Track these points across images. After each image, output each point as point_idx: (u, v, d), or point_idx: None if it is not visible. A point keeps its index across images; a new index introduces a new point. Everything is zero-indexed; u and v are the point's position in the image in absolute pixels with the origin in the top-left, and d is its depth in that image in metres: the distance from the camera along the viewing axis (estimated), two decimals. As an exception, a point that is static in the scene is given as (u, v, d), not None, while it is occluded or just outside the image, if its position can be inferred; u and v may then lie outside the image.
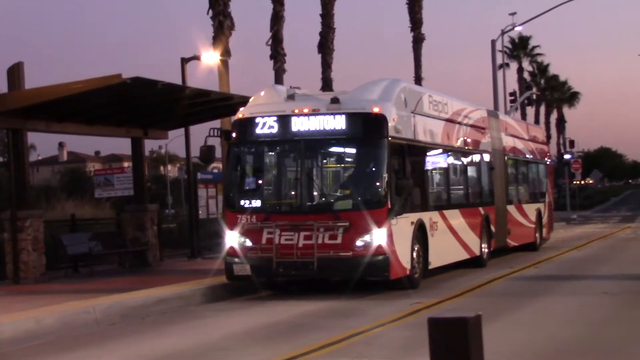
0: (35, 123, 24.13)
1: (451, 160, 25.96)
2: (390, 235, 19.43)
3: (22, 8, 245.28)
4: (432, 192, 24.19)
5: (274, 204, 21.27)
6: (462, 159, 27.18)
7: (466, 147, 27.10)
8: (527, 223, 33.11)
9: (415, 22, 55.94)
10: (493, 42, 58.73)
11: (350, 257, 19.36)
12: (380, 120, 19.79)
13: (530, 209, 33.76)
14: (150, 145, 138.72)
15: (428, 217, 22.33)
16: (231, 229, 20.22)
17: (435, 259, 22.55)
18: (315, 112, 20.04)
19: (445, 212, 24.22)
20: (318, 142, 20.66)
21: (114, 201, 47.46)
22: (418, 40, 55.81)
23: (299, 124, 20.12)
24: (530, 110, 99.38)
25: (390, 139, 19.78)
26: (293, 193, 20.86)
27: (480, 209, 27.41)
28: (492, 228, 28.03)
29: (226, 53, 33.96)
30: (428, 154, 23.64)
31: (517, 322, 16.07)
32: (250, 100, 21.70)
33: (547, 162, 39.14)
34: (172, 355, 13.89)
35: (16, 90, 23.29)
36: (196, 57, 33.56)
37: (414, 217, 21.18)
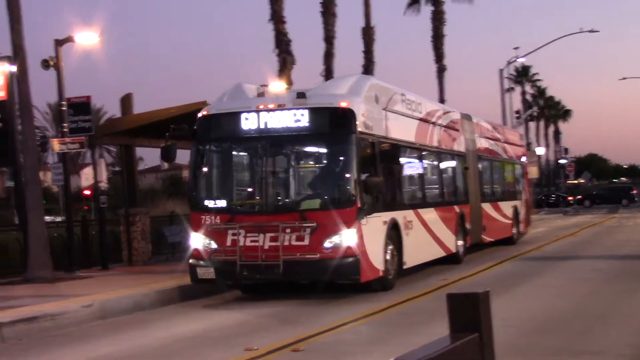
0: (142, 140, 24.91)
1: (425, 159, 21.19)
2: (360, 236, 15.18)
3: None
4: (406, 191, 19.79)
5: (238, 204, 16.64)
6: (436, 158, 22.34)
7: (440, 147, 22.37)
8: (503, 219, 28.19)
9: (439, 55, 55.72)
10: (501, 71, 59.02)
11: (318, 260, 15.08)
12: (348, 115, 15.50)
13: (507, 206, 28.71)
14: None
15: (402, 215, 17.88)
16: (195, 230, 15.96)
17: (411, 259, 18.08)
18: (280, 108, 15.76)
19: (420, 210, 19.65)
20: (284, 139, 16.21)
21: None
22: (441, 70, 55.65)
23: (263, 120, 15.77)
24: (532, 125, 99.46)
25: (359, 134, 15.52)
26: (258, 192, 16.29)
27: (456, 207, 22.82)
28: (467, 225, 23.44)
29: (289, 84, 34.08)
30: (401, 152, 19.17)
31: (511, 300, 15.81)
32: (217, 98, 17.56)
33: (523, 163, 33.88)
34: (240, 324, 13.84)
35: (127, 115, 23.82)
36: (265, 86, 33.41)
37: (387, 216, 16.79)
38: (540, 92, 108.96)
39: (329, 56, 38.41)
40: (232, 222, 15.56)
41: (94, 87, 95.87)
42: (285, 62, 34.02)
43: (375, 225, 15.97)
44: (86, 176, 78.61)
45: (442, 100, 51.01)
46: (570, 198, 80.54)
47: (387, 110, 17.72)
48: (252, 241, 15.31)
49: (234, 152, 17.43)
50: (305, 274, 15.63)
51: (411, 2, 55.98)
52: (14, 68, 19.51)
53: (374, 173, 16.12)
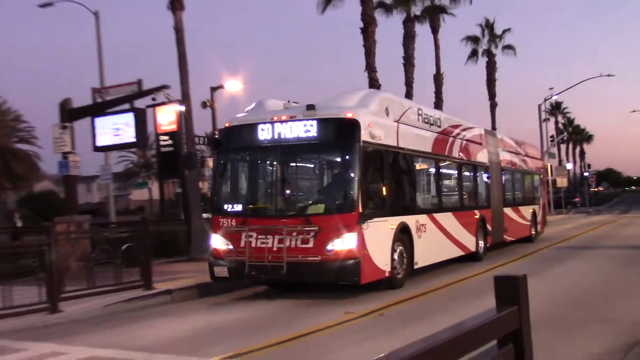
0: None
1: (443, 168, 17.34)
2: (361, 239, 12.02)
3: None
4: (420, 197, 15.89)
5: (250, 208, 13.20)
6: (455, 168, 18.41)
7: (460, 158, 18.45)
8: (522, 221, 24.28)
9: (491, 94, 55.23)
10: (539, 106, 58.39)
11: (319, 262, 11.98)
12: (353, 125, 12.39)
13: (526, 210, 24.86)
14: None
15: (414, 220, 14.50)
16: (215, 232, 13.12)
17: (423, 259, 14.76)
18: (292, 119, 12.85)
19: (437, 215, 16.06)
20: (293, 148, 13.01)
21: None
22: (493, 106, 55.12)
23: (276, 131, 12.93)
24: (563, 146, 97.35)
25: (363, 144, 12.36)
26: (268, 198, 13.23)
27: (476, 211, 19.24)
28: (488, 227, 19.86)
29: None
30: (415, 161, 15.39)
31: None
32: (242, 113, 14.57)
33: (541, 173, 29.57)
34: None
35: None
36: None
37: (396, 220, 13.51)
38: (570, 122, 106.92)
39: (409, 96, 38.19)
40: (244, 225, 12.70)
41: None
42: (374, 86, 34.12)
43: (381, 229, 12.83)
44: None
45: (494, 128, 50.09)
46: None
47: (400, 122, 14.39)
48: (260, 243, 12.48)
49: (249, 161, 14.18)
50: (307, 275, 12.26)
51: (470, 55, 55.38)
52: (182, 108, 20.08)
53: (381, 181, 12.98)
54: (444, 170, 17.48)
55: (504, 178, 22.62)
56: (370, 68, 34.80)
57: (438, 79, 43.72)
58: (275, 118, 13.04)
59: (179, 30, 22.68)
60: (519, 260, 18.61)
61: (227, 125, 13.87)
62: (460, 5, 43.61)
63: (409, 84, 38.95)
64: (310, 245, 12.03)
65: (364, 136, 12.43)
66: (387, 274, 12.95)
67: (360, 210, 12.07)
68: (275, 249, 12.25)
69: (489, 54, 55.35)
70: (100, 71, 26.97)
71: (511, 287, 3.40)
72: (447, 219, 16.79)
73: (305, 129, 12.72)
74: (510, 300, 3.37)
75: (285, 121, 12.90)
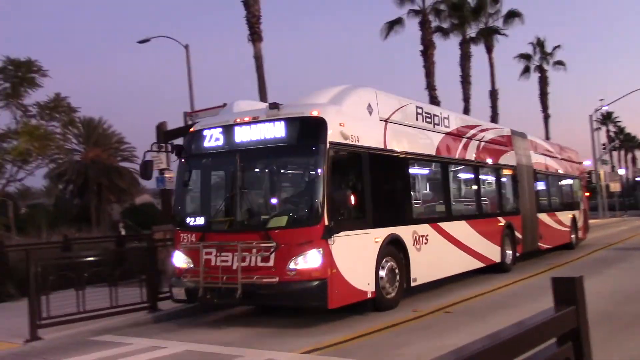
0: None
1: (453, 172, 14.02)
2: (327, 256, 9.14)
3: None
4: (420, 205, 12.52)
5: (209, 222, 10.26)
6: (471, 172, 14.91)
7: (477, 161, 14.97)
8: (560, 228, 20.15)
9: (544, 107, 54.23)
10: (590, 116, 56.44)
11: (277, 284, 9.18)
12: (318, 125, 9.55)
13: (565, 216, 20.72)
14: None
15: (411, 230, 11.35)
16: (177, 248, 10.38)
17: (423, 274, 11.56)
18: (254, 121, 10.09)
19: (444, 224, 12.71)
20: (254, 152, 10.13)
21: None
22: (546, 117, 54.08)
23: (238, 134, 10.18)
24: (615, 154, 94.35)
25: (331, 145, 9.50)
26: (226, 210, 10.22)
27: (500, 218, 15.60)
28: (518, 235, 16.28)
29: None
30: (412, 165, 12.03)
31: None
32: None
33: (581, 177, 24.56)
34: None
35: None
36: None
37: (382, 232, 10.48)
38: (621, 130, 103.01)
39: (466, 112, 37.76)
40: (199, 241, 10.02)
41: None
42: (434, 102, 33.90)
43: (359, 242, 9.96)
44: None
45: (547, 138, 48.82)
46: None
47: (389, 121, 11.35)
48: (219, 262, 9.74)
49: (210, 168, 11.13)
50: (265, 298, 9.47)
51: (523, 71, 54.38)
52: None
53: (360, 188, 10.15)
54: (454, 175, 14.25)
55: (536, 182, 18.80)
56: (430, 87, 34.64)
57: (493, 94, 43.15)
58: (237, 120, 10.33)
59: (258, 59, 23.23)
60: (552, 270, 15.25)
61: (190, 130, 11.14)
62: (513, 26, 42.89)
63: (466, 99, 38.56)
64: (270, 264, 9.34)
65: (333, 137, 9.63)
66: (369, 295, 10.02)
67: (326, 222, 9.25)
68: (234, 268, 9.52)
69: (540, 69, 54.21)
70: (190, 96, 27.66)
71: (569, 287, 3.29)
72: (460, 228, 13.45)
73: (267, 131, 9.96)
74: (567, 300, 3.26)
75: (247, 123, 10.19)
